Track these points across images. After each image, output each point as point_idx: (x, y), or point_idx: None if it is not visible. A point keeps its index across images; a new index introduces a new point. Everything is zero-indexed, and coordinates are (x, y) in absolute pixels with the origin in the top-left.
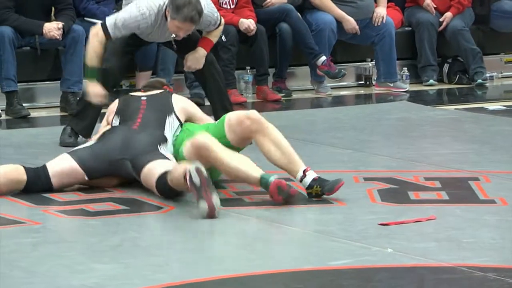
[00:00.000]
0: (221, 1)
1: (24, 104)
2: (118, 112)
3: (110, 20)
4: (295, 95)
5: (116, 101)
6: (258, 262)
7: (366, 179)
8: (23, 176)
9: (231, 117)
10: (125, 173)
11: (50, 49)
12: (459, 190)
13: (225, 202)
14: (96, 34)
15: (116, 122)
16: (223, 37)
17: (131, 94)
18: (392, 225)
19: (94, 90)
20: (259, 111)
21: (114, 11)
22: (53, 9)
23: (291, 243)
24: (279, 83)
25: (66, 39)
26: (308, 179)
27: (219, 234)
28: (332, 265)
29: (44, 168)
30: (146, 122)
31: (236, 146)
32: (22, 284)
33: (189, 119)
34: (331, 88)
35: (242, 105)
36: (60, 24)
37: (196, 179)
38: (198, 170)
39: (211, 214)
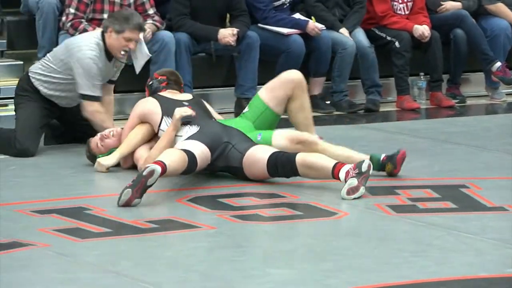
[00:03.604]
0: (396, 7)
1: None
2: (167, 114)
3: (84, 88)
4: (469, 101)
5: (152, 103)
6: (434, 269)
7: None
8: (186, 164)
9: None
10: (225, 157)
11: (225, 55)
12: None
13: (399, 208)
14: (96, 110)
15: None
16: (396, 43)
17: (167, 97)
18: None
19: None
20: (432, 118)
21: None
22: (228, 15)
23: (466, 250)
24: (453, 89)
25: (241, 45)
26: None
27: (393, 240)
28: (509, 273)
29: (191, 152)
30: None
31: (274, 111)
32: None
33: None
34: (506, 94)
35: (416, 112)
36: (235, 31)
37: (365, 167)
38: (370, 165)
39: (352, 192)
